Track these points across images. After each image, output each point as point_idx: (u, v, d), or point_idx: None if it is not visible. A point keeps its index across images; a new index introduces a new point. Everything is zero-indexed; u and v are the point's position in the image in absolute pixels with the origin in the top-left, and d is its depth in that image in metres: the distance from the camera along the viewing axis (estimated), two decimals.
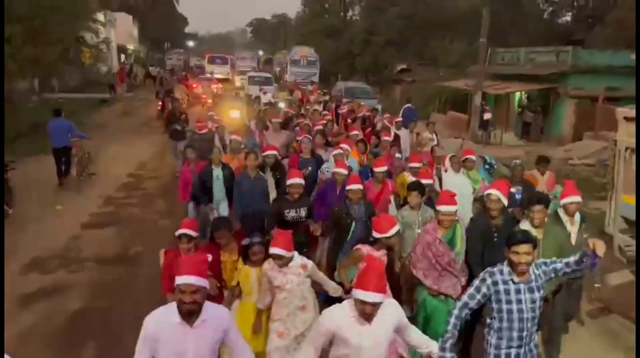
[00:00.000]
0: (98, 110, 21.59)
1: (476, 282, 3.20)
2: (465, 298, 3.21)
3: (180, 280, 2.56)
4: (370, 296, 2.74)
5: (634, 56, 15.38)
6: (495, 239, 4.17)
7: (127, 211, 8.57)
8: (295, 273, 3.75)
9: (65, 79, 26.99)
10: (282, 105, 13.97)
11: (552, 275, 3.17)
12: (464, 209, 5.55)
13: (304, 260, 3.87)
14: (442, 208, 4.14)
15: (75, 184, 9.65)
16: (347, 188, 4.91)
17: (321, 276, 4.01)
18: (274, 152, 6.39)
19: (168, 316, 2.61)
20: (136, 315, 3.08)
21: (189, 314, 2.58)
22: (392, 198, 5.65)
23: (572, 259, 3.11)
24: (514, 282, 3.10)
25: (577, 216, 4.39)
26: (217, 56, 34.17)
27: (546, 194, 4.52)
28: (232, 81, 29.39)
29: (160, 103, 17.44)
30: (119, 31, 39.54)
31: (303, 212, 4.97)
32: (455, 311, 3.21)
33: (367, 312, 2.80)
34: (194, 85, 22.94)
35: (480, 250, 4.21)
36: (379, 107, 16.84)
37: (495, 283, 3.12)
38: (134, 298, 5.40)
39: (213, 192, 6.26)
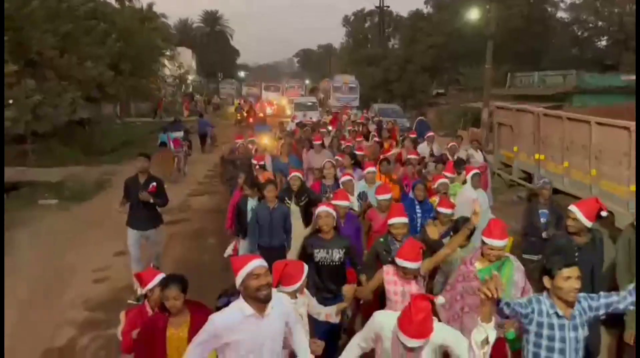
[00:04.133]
0: None
1: (523, 300, 2.92)
2: (516, 299, 3.01)
3: (250, 266, 2.66)
4: (410, 342, 2.72)
5: (624, 77, 18.69)
6: (576, 258, 3.80)
7: (213, 188, 12.95)
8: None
9: (139, 106, 32.95)
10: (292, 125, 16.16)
11: (602, 311, 2.87)
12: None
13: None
14: (490, 241, 3.70)
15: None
16: (390, 222, 4.44)
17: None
18: (299, 174, 6.28)
19: (237, 313, 2.71)
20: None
21: (268, 299, 2.68)
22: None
23: (625, 293, 2.83)
24: (558, 316, 2.81)
25: None
26: (271, 84, 42.21)
27: None
28: (283, 105, 34.23)
29: (238, 114, 27.68)
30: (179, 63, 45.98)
31: (337, 255, 4.28)
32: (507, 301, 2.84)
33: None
34: (258, 105, 31.14)
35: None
36: (408, 125, 20.77)
37: (540, 313, 2.84)
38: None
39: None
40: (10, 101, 9.94)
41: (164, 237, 7.26)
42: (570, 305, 2.81)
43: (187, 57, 50.21)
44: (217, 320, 2.72)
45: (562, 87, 21.04)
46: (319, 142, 9.19)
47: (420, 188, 5.92)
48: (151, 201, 6.08)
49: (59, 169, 14.42)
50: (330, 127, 13.91)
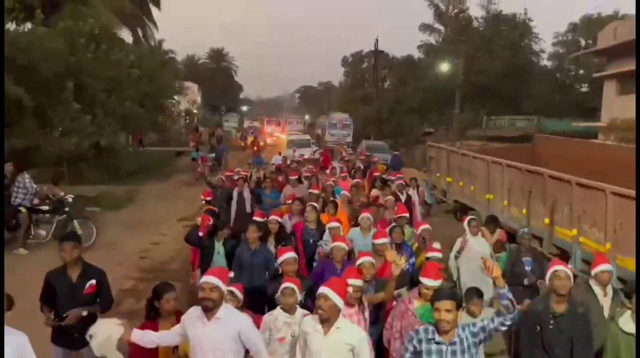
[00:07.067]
0: (177, 159, 30.73)
1: (405, 341, 3.44)
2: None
3: (202, 279, 3.56)
4: (325, 290, 3.47)
5: (574, 123, 22.70)
6: (551, 326, 3.88)
7: None
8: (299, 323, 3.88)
9: (149, 136, 37.05)
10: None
11: (482, 335, 3.28)
12: (481, 279, 5.15)
13: (305, 310, 4.10)
14: (425, 280, 4.11)
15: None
16: (358, 262, 4.63)
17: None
18: (277, 218, 6.52)
19: (194, 312, 3.58)
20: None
21: (206, 309, 3.44)
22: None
23: (493, 311, 3.35)
24: (435, 342, 3.21)
25: (609, 287, 4.47)
26: (272, 119, 47.60)
27: None
28: (282, 140, 38.37)
29: (242, 142, 32.63)
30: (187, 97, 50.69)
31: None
32: None
33: (319, 310, 3.46)
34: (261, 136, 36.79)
35: (530, 340, 3.95)
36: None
37: (419, 342, 3.29)
38: None
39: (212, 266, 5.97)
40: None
41: None
42: (446, 332, 3.21)
43: (193, 91, 54.94)
44: (186, 313, 3.62)
45: (525, 129, 24.99)
46: (295, 177, 10.06)
47: (397, 231, 6.09)
48: (85, 314, 4.33)
49: (90, 187, 18.17)
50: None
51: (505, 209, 8.49)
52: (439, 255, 5.38)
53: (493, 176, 9.09)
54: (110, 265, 9.90)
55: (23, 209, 10.18)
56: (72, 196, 12.08)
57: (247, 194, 9.47)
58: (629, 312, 3.86)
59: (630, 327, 3.75)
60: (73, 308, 4.30)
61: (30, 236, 10.31)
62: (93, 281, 4.46)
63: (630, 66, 21.40)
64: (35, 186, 10.78)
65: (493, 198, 8.98)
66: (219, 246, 6.17)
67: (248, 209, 9.31)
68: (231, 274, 4.60)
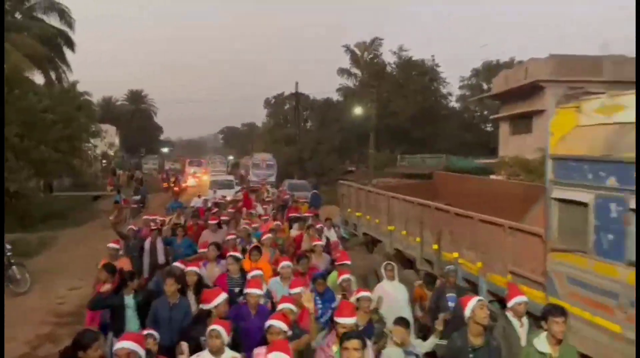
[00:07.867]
0: (94, 203, 30.04)
1: None
2: None
3: (116, 345, 3.40)
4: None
5: (477, 161, 25.16)
6: None
7: None
8: None
9: (62, 180, 35.88)
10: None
11: None
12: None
13: (234, 353, 4.08)
14: (341, 320, 4.14)
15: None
16: (280, 307, 4.82)
17: None
18: (195, 269, 6.34)
19: None
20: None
21: None
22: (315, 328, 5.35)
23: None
24: None
25: (524, 318, 4.68)
26: (195, 160, 47.24)
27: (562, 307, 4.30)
28: (205, 180, 38.66)
29: (165, 184, 34.38)
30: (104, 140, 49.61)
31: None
32: None
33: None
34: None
35: None
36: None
37: None
38: None
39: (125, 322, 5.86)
40: None
41: None
42: None
43: (111, 133, 53.88)
44: None
45: (435, 167, 27.17)
46: (215, 222, 10.10)
47: (320, 282, 6.30)
48: None
49: None
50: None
51: (404, 238, 9.60)
52: (368, 294, 5.51)
53: (392, 210, 10.25)
54: (27, 310, 10.09)
55: None
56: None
57: (160, 245, 9.35)
58: (544, 333, 4.11)
59: (545, 347, 4.04)
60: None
61: None
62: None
63: (519, 109, 24.39)
64: None
65: (394, 229, 10.09)
66: (128, 300, 5.91)
67: (161, 260, 9.19)
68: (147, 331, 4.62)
